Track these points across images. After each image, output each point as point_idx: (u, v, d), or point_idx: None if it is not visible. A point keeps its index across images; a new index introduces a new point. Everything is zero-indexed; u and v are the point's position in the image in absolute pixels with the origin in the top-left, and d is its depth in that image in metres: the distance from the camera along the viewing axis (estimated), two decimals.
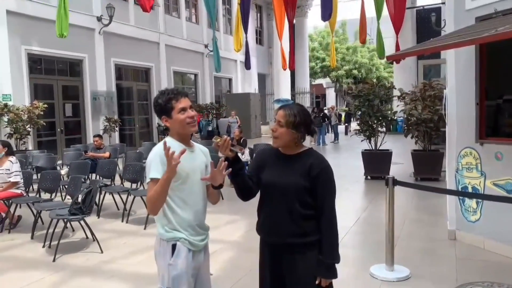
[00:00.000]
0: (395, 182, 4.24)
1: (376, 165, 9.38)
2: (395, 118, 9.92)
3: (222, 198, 7.82)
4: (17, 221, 6.34)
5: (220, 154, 2.30)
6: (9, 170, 6.22)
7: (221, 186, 2.27)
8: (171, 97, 2.31)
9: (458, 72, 5.08)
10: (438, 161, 8.75)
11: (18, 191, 6.32)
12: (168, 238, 2.27)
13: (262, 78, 28.97)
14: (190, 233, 2.29)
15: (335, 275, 2.29)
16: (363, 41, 14.39)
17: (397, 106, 10.11)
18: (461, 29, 4.67)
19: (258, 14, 29.02)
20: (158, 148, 2.28)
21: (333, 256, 2.26)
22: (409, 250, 4.92)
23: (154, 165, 2.23)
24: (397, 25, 14.32)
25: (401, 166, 10.31)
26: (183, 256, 2.26)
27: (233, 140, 2.30)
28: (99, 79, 15.01)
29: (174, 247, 2.26)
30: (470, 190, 4.97)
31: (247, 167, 2.55)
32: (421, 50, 4.51)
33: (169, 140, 2.32)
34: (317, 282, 2.26)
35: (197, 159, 2.39)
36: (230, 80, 25.35)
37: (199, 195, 2.35)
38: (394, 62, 23.02)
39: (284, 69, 20.56)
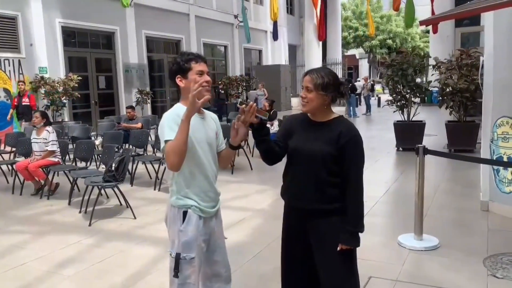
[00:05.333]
0: (426, 151, 4.15)
1: (408, 136, 9.16)
2: (429, 88, 9.61)
3: (251, 169, 7.91)
4: (55, 188, 6.62)
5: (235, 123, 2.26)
6: (46, 139, 6.45)
7: (239, 146, 2.26)
8: (191, 58, 2.27)
9: (497, 36, 4.84)
10: (473, 132, 8.47)
11: (55, 160, 6.57)
12: (179, 205, 2.27)
13: (292, 49, 28.51)
14: (202, 200, 2.29)
15: (357, 243, 2.26)
16: (397, 8, 13.64)
17: (432, 75, 9.76)
18: None
19: None
20: (169, 113, 2.24)
21: (357, 225, 2.24)
22: (439, 220, 4.85)
23: (168, 126, 2.15)
24: None
25: (434, 138, 10.05)
26: (193, 223, 2.26)
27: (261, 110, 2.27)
28: (130, 52, 15.17)
29: (185, 214, 2.26)
30: (505, 160, 4.81)
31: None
32: (457, 13, 4.31)
33: (180, 105, 2.26)
34: (338, 248, 2.24)
35: (207, 127, 2.33)
36: (260, 51, 25.07)
37: (209, 162, 2.30)
38: (431, 31, 22.11)
39: (319, 40, 19.96)
